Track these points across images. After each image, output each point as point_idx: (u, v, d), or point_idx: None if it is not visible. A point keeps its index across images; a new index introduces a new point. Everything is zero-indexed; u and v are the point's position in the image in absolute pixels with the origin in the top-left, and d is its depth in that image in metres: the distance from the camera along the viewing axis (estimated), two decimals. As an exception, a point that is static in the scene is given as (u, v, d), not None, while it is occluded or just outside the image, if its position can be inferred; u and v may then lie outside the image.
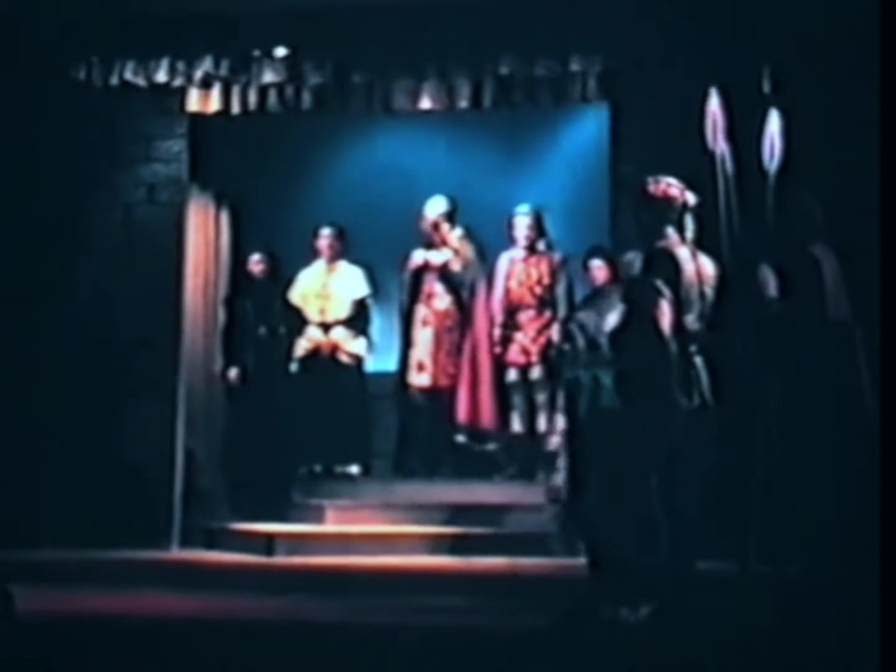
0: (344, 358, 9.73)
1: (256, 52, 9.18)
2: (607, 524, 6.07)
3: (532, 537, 8.43)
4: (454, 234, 9.59)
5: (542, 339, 9.35)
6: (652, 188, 6.13)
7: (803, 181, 6.70)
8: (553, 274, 9.40)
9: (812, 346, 6.26)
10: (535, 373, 9.34)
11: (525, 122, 10.08)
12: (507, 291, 9.45)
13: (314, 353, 9.73)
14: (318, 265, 9.85)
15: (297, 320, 9.77)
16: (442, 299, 9.62)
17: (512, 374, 9.42)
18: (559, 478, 8.47)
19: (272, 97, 9.29)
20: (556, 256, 9.43)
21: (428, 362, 9.55)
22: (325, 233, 9.80)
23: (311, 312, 9.77)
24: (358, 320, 9.77)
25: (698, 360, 5.93)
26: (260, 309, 9.76)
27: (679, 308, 5.91)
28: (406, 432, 9.71)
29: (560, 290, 9.36)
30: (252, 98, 9.29)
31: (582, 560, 6.54)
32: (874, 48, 5.18)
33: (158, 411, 9.21)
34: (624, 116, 8.95)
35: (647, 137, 8.47)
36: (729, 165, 6.22)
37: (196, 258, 9.65)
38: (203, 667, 4.98)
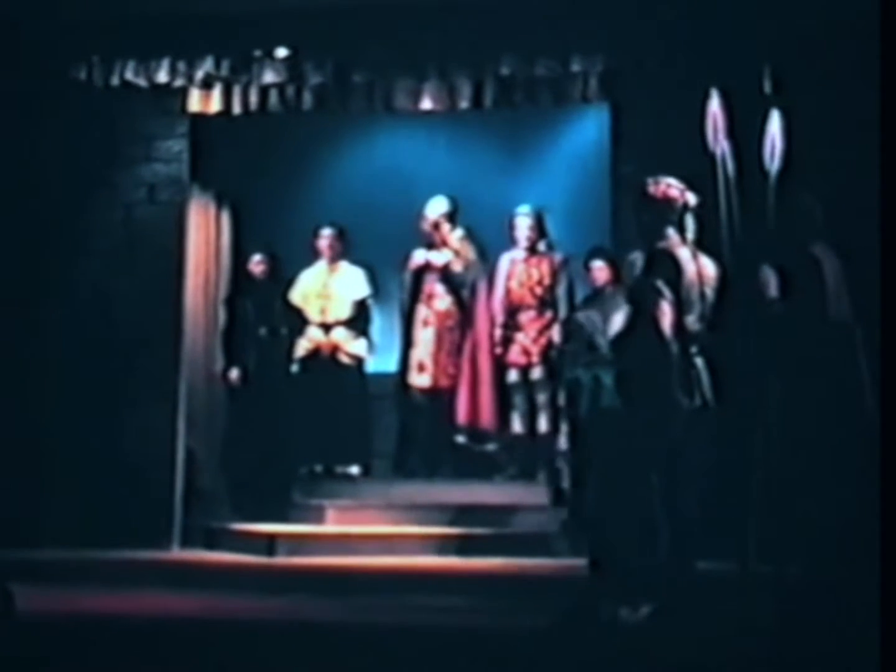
0: (344, 358, 9.72)
1: (257, 53, 9.18)
2: (608, 524, 6.08)
3: (532, 537, 8.43)
4: (455, 235, 9.58)
5: (542, 340, 9.34)
6: (652, 189, 6.13)
7: (804, 181, 6.69)
8: (554, 274, 9.39)
9: (812, 346, 6.25)
10: (536, 373, 9.33)
11: (526, 123, 10.08)
12: (508, 292, 9.44)
13: (315, 353, 9.72)
14: (319, 265, 9.84)
15: (298, 321, 9.76)
16: (442, 300, 9.61)
17: (512, 375, 9.41)
18: (560, 478, 8.49)
19: (273, 97, 9.29)
20: (557, 257, 9.42)
21: (428, 363, 9.55)
22: (326, 233, 9.79)
23: (312, 313, 9.76)
24: (358, 321, 9.76)
25: (699, 361, 5.94)
26: (261, 309, 9.76)
27: (680, 308, 5.91)
28: (406, 433, 9.70)
29: (561, 290, 9.35)
30: (253, 98, 9.29)
31: (582, 560, 6.55)
32: (874, 48, 5.18)
33: (159, 411, 9.21)
34: (624, 117, 8.95)
35: (648, 138, 8.47)
36: (729, 166, 6.22)
37: (197, 258, 9.65)
38: (203, 667, 4.98)
